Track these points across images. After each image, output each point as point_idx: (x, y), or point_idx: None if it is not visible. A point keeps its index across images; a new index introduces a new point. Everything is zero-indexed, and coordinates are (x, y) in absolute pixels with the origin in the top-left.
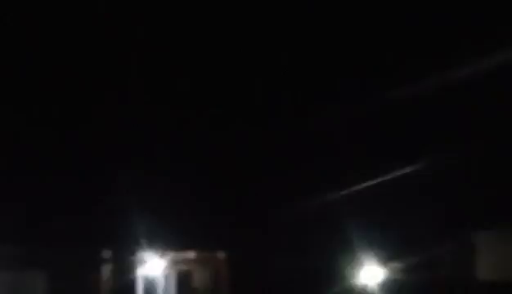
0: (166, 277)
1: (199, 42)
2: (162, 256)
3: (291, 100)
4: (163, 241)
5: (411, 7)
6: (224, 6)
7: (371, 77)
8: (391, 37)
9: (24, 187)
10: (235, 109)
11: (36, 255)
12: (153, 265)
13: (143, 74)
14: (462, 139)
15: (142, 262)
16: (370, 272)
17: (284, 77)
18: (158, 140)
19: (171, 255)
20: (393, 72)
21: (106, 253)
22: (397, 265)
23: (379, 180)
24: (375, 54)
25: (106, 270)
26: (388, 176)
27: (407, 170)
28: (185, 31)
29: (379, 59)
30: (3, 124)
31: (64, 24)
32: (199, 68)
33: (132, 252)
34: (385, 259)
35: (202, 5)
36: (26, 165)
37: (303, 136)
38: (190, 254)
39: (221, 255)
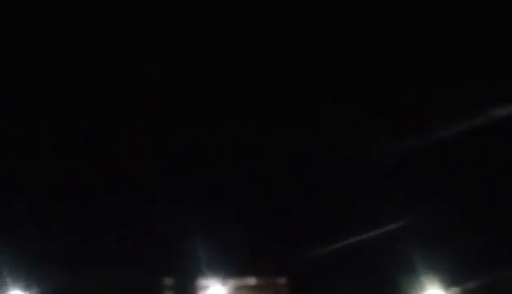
0: None
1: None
2: (223, 282)
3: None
4: (225, 267)
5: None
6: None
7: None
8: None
9: (86, 215)
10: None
11: (96, 282)
12: (214, 292)
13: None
14: None
15: (204, 289)
16: None
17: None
18: (218, 166)
19: (232, 281)
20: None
21: (168, 280)
22: (459, 288)
23: (442, 204)
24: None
25: None
26: (451, 200)
27: (469, 194)
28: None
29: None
30: (57, 149)
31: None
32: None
33: (194, 279)
34: (447, 283)
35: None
36: (86, 194)
37: (361, 163)
38: (252, 280)
39: (282, 280)
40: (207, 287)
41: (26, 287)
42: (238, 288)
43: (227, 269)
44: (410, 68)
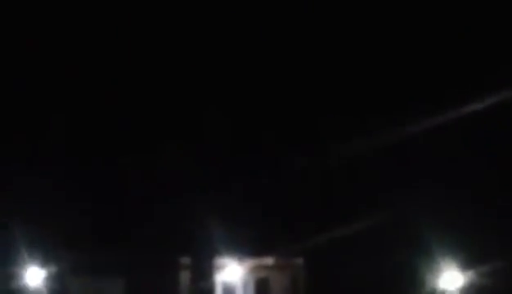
0: (244, 283)
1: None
2: (240, 262)
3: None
4: (242, 247)
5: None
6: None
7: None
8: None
9: (106, 199)
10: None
11: (115, 261)
12: (231, 272)
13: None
14: None
15: (221, 268)
16: (450, 277)
17: None
18: (236, 150)
19: (249, 261)
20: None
21: (185, 260)
22: (477, 270)
23: (458, 187)
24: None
25: (185, 276)
26: (470, 183)
27: (485, 178)
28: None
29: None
30: (85, 143)
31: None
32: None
33: (211, 259)
34: (465, 264)
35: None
36: (106, 178)
37: (373, 147)
38: (268, 260)
39: (298, 261)
40: (224, 267)
41: (44, 264)
42: (255, 268)
43: (244, 249)
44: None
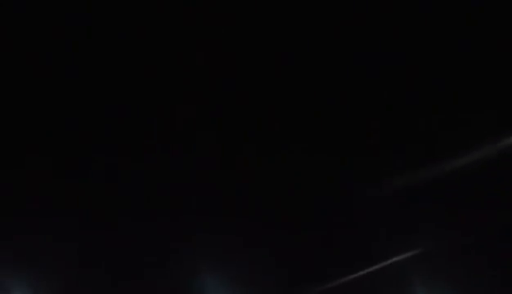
0: None
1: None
2: None
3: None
4: (230, 292)
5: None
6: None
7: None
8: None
9: (96, 250)
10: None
11: None
12: None
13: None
14: None
15: None
16: None
17: None
18: (224, 197)
19: None
20: None
21: None
22: None
23: (444, 241)
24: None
25: None
26: (454, 237)
27: (475, 231)
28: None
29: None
30: (58, 186)
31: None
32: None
33: None
34: None
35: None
36: (96, 230)
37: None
38: None
39: None
40: None
41: None
42: None
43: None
44: (417, 97)
